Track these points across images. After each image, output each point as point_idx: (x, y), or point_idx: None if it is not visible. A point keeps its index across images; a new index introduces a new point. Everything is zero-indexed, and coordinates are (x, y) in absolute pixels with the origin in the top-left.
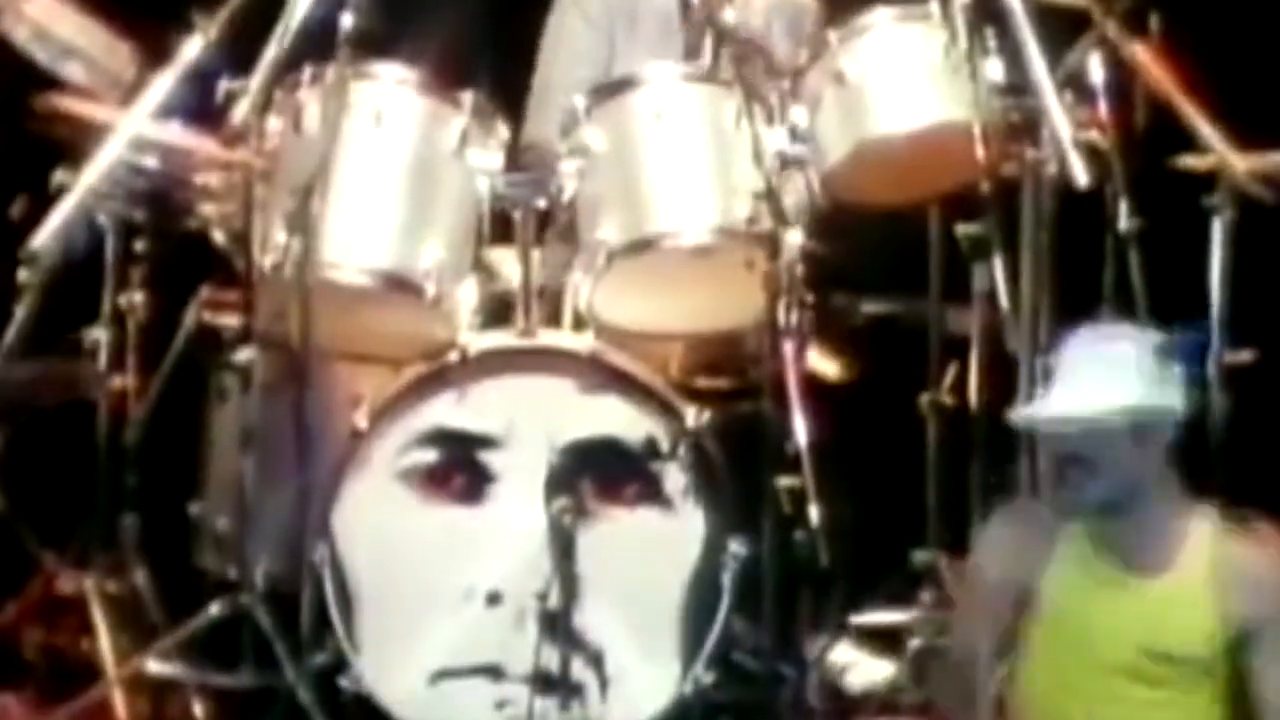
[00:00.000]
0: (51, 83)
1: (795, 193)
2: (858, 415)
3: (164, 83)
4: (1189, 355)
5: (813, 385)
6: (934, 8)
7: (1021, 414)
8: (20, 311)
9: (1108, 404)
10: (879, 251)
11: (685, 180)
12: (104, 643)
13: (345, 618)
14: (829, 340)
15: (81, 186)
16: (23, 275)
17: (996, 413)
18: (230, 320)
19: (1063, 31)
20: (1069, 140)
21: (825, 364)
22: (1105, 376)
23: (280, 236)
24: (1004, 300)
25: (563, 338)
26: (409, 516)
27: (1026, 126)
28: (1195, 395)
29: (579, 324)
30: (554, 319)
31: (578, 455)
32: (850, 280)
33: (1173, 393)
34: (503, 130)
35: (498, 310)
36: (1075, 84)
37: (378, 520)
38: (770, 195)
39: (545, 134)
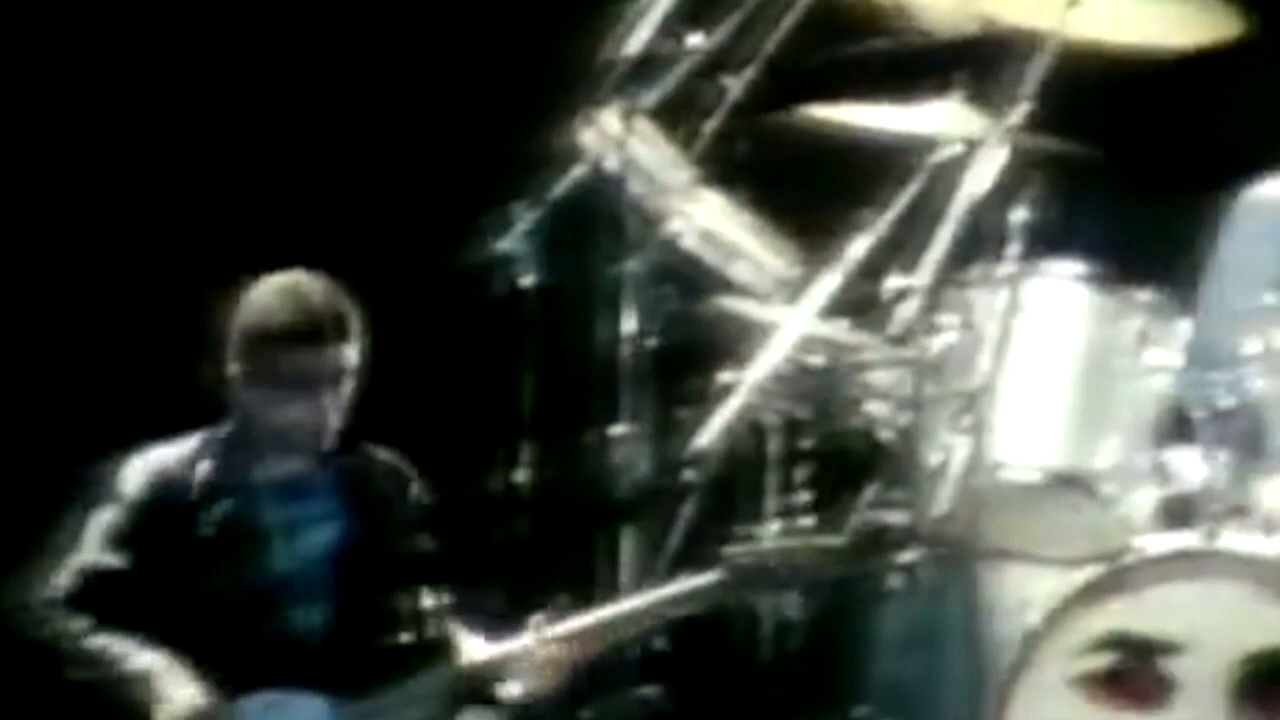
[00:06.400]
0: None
1: None
2: None
3: (830, 281)
4: None
5: None
6: None
7: None
8: (686, 511)
9: None
10: None
11: None
12: None
13: None
14: None
15: (747, 386)
16: (688, 475)
17: None
18: (896, 519)
19: None
20: None
21: None
22: None
23: (948, 435)
24: None
25: (1248, 542)
26: None
27: None
28: None
29: (1269, 528)
30: (1238, 522)
31: (1264, 666)
32: None
33: None
34: (1184, 328)
35: (1176, 512)
36: None
37: None
38: None
39: (1215, 339)
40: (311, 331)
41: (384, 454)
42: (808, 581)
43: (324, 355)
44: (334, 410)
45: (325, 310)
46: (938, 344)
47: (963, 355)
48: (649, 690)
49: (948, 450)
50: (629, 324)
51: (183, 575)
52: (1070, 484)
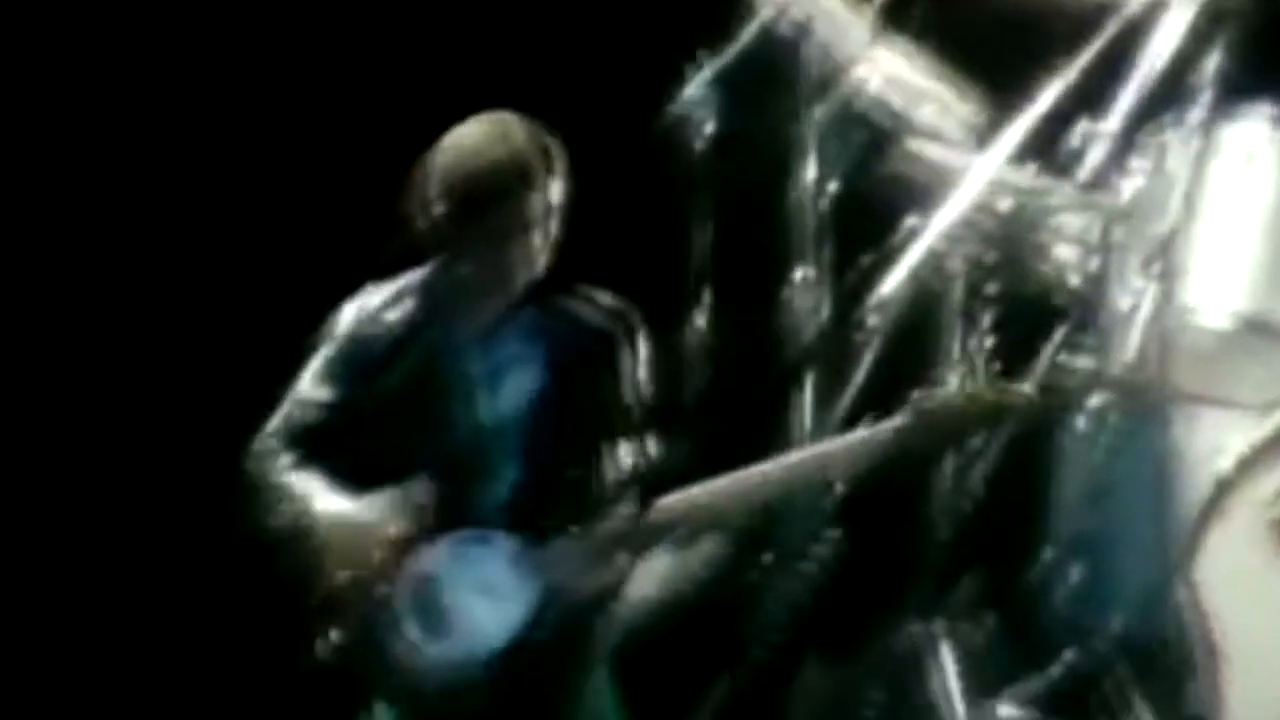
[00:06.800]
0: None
1: None
2: None
3: (1019, 126)
4: None
5: None
6: None
7: None
8: (868, 357)
9: None
10: None
11: None
12: (953, 690)
13: (1208, 672)
14: None
15: (932, 231)
16: (871, 321)
17: None
18: (1084, 364)
19: None
20: None
21: None
22: None
23: (1138, 280)
24: None
25: None
26: (1277, 568)
27: None
28: None
29: None
30: None
31: None
32: None
33: None
34: None
35: None
36: None
37: (1243, 571)
38: None
39: None
40: (516, 173)
41: (605, 298)
42: (995, 428)
43: (529, 197)
44: (540, 251)
45: (529, 150)
46: (1128, 189)
47: (1154, 200)
48: (830, 534)
49: (1137, 296)
50: (813, 170)
51: (380, 416)
52: (1263, 329)
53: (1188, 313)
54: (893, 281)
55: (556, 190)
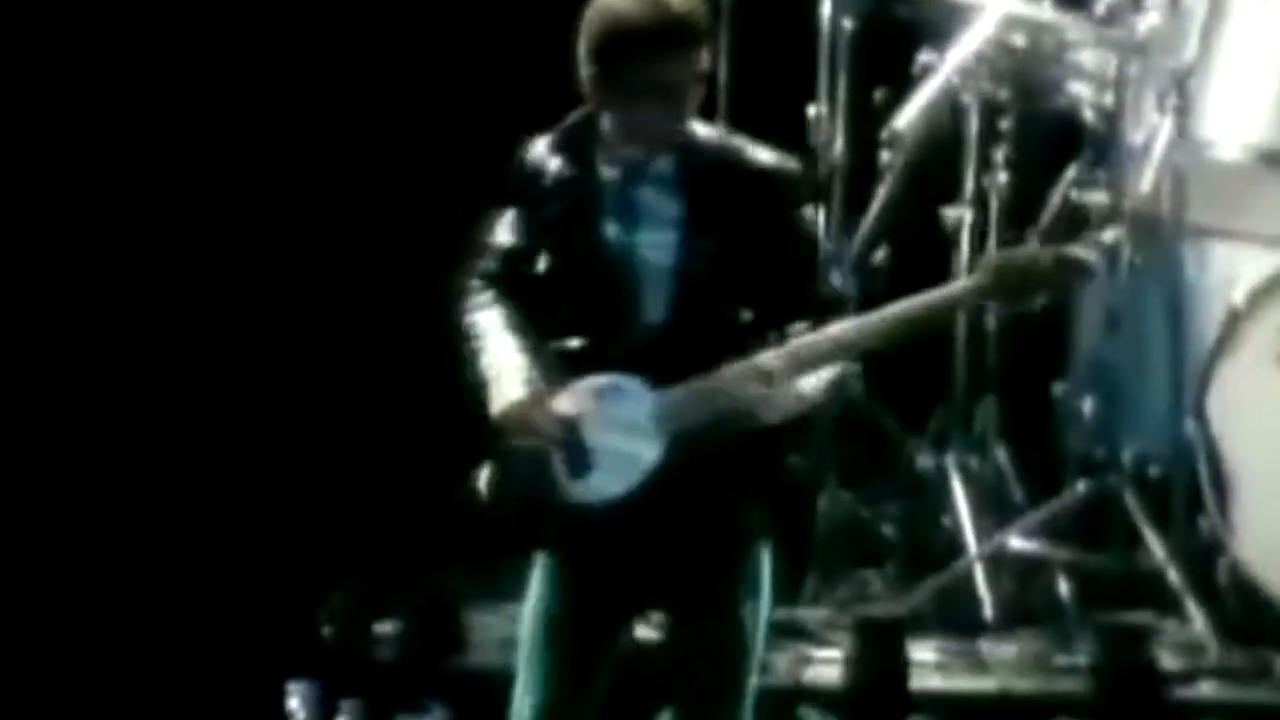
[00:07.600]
0: None
1: None
2: None
3: None
4: None
5: None
6: None
7: None
8: (882, 192)
9: None
10: None
11: None
12: (965, 521)
13: (1220, 501)
14: None
15: (946, 67)
16: (885, 156)
17: None
18: (1098, 198)
19: None
20: None
21: None
22: None
23: (1153, 115)
24: None
25: None
26: None
27: None
28: None
29: None
30: None
31: None
32: None
33: None
34: None
35: None
36: None
37: (1254, 402)
38: None
39: None
40: (667, 38)
41: (762, 152)
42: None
43: (679, 61)
44: (684, 110)
45: (681, 14)
46: (1144, 24)
47: (1170, 35)
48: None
49: (1152, 130)
50: (828, 4)
51: (535, 261)
52: (1276, 162)
53: (1203, 146)
54: (906, 116)
55: (705, 55)
